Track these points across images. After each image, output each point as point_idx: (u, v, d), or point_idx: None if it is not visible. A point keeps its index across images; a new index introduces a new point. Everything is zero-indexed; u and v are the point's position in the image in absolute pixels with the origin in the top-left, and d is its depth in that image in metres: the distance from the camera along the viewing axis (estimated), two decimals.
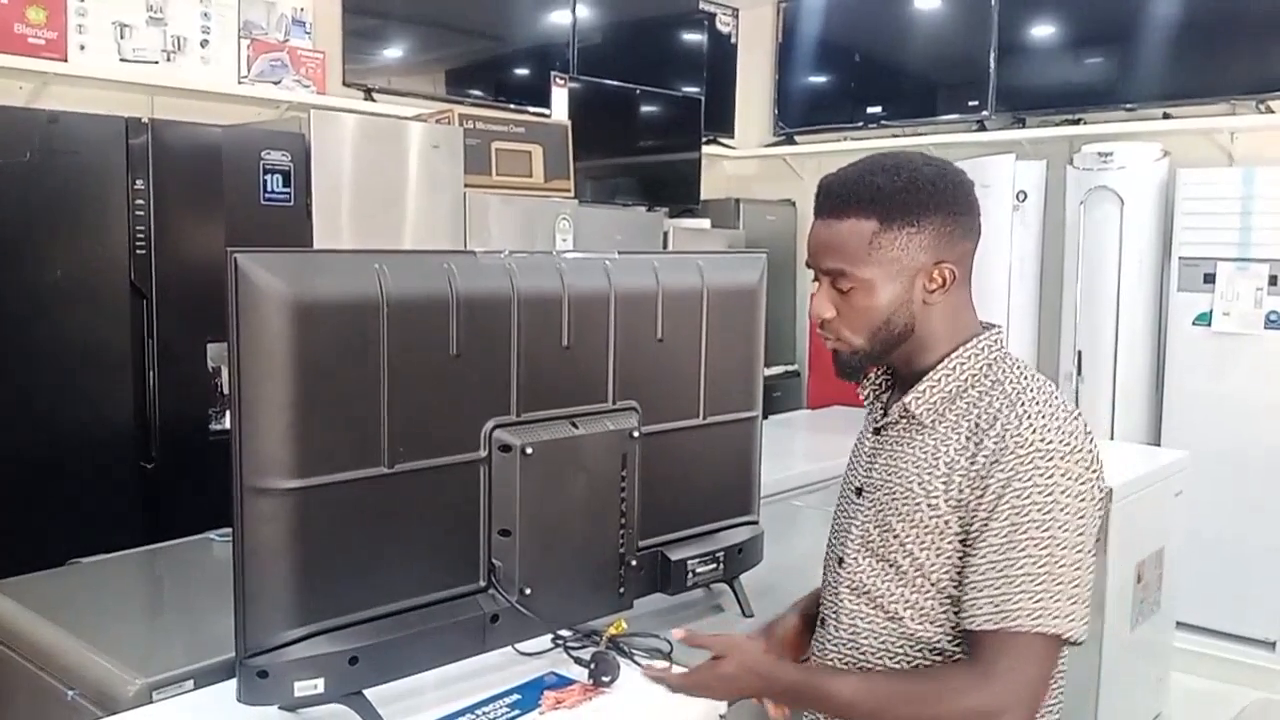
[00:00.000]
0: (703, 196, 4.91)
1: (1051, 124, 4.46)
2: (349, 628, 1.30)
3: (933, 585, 1.29)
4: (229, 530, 2.12)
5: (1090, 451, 1.24)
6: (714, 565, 1.70)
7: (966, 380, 1.31)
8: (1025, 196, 4.26)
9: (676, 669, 1.44)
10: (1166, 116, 4.17)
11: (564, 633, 1.54)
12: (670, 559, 1.65)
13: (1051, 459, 1.21)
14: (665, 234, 4.42)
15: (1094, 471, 1.24)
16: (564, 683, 1.47)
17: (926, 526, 1.28)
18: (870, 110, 5.02)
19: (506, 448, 1.41)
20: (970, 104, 4.68)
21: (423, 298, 1.34)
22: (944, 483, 1.27)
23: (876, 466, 1.38)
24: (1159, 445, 3.79)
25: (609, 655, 1.47)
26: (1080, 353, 4.10)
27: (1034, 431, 1.22)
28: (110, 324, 2.77)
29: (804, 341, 5.08)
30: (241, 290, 1.20)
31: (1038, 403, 1.25)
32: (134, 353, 2.82)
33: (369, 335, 1.28)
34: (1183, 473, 2.82)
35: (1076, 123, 4.40)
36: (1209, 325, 3.79)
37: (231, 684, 1.42)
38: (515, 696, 1.41)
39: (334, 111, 3.40)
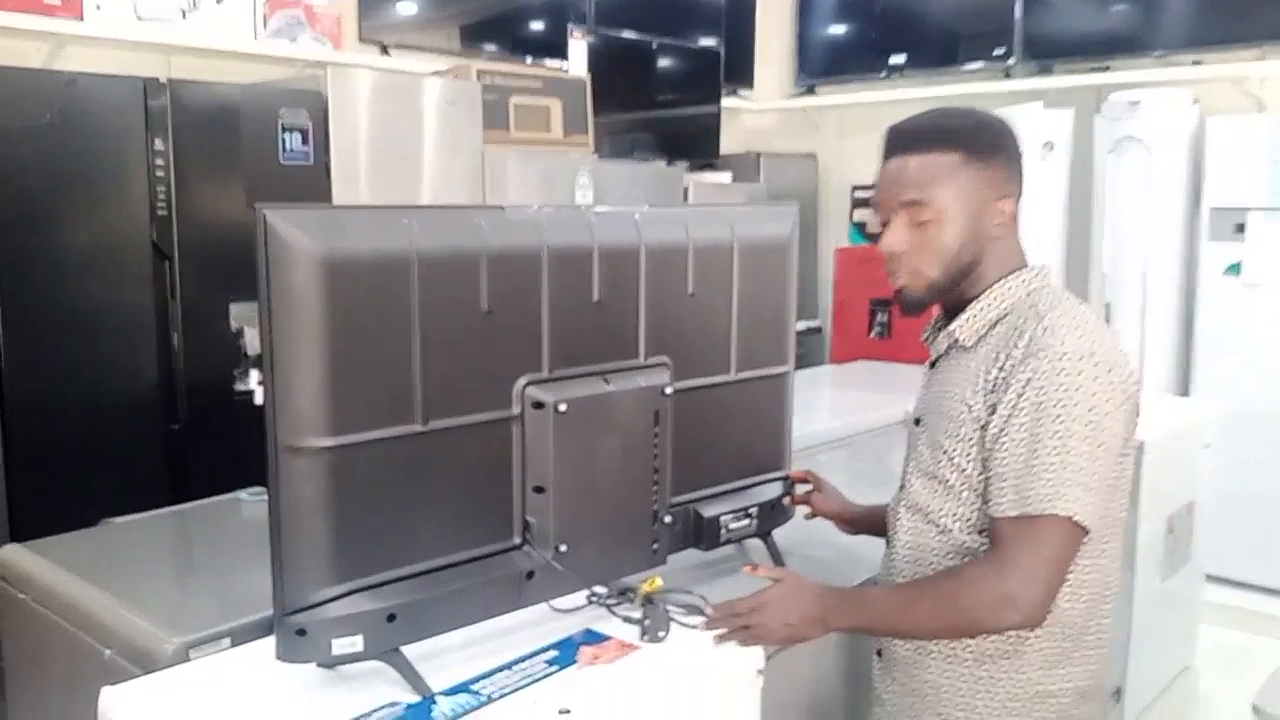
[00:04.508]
0: (722, 150, 4.86)
1: (1079, 72, 4.38)
2: (386, 585, 1.29)
3: (977, 495, 1.38)
4: (259, 489, 2.16)
5: (1114, 360, 1.30)
6: (747, 521, 1.69)
7: (1008, 307, 1.40)
8: (1052, 147, 4.19)
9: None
10: (1196, 64, 4.08)
11: (599, 590, 1.53)
12: (703, 515, 1.63)
13: (1068, 360, 1.28)
14: (685, 189, 4.38)
15: (1116, 376, 1.30)
16: (599, 639, 1.47)
17: (971, 439, 1.36)
18: (893, 60, 4.94)
19: (539, 405, 1.40)
20: (996, 52, 4.60)
21: (453, 253, 1.32)
22: (983, 396, 1.35)
23: (930, 395, 1.50)
24: (1188, 397, 3.76)
25: (660, 609, 1.46)
26: (1109, 305, 4.06)
27: (1055, 338, 1.30)
28: (133, 286, 2.77)
29: (827, 297, 5.05)
30: (271, 247, 1.19)
31: (1064, 316, 1.33)
32: (157, 314, 2.82)
33: (400, 291, 1.26)
34: (1212, 425, 2.80)
35: (1104, 70, 4.32)
36: (1240, 275, 3.73)
37: (268, 642, 1.43)
38: (552, 653, 1.41)
39: (351, 68, 3.36)
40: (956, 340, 1.43)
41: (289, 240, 1.19)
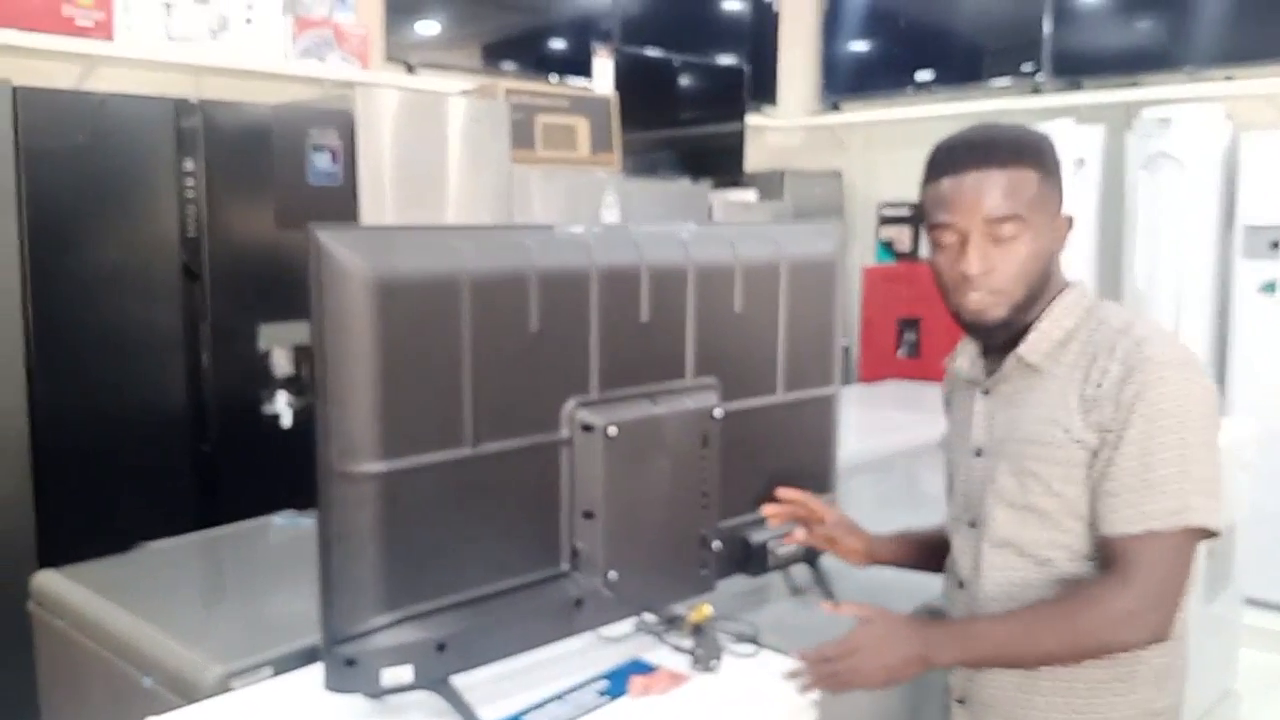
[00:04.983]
0: (747, 168, 4.83)
1: (1109, 88, 4.35)
2: (436, 613, 1.26)
3: (1081, 520, 1.33)
4: (291, 512, 2.13)
5: (1202, 366, 1.31)
6: (795, 546, 1.65)
7: (1072, 326, 1.37)
8: (1083, 164, 4.15)
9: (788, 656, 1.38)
10: (1228, 79, 4.04)
11: (648, 617, 1.50)
12: (751, 540, 1.60)
13: (1171, 369, 1.27)
14: (710, 207, 4.36)
15: (1208, 379, 1.31)
16: (649, 669, 1.43)
17: (1072, 461, 1.32)
18: (919, 76, 4.91)
19: (589, 428, 1.37)
20: (1024, 68, 4.57)
21: (503, 273, 1.30)
22: (1081, 416, 1.31)
23: (996, 424, 1.42)
24: (1224, 416, 3.70)
25: (712, 638, 1.43)
26: None
27: (1154, 350, 1.28)
28: (163, 307, 2.76)
29: (854, 315, 5.01)
30: (324, 268, 1.17)
31: (1145, 327, 1.33)
32: (186, 335, 2.80)
33: (451, 312, 1.24)
34: (1250, 444, 2.74)
35: (1134, 86, 4.28)
36: (1275, 293, 3.68)
37: (310, 671, 1.41)
38: (603, 683, 1.38)
39: (379, 87, 3.36)
40: (1026, 363, 1.38)
41: (342, 261, 1.17)
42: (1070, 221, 1.39)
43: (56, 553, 2.45)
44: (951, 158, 1.35)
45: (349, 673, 1.21)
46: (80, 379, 2.60)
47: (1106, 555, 1.29)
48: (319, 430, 1.19)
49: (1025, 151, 1.35)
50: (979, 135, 1.38)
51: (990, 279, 1.35)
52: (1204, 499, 1.25)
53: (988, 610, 1.40)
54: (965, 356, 1.50)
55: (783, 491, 1.57)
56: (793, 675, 1.34)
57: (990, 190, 1.33)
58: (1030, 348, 1.38)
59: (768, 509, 1.56)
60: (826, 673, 1.30)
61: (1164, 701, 1.37)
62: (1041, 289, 1.37)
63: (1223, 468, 1.29)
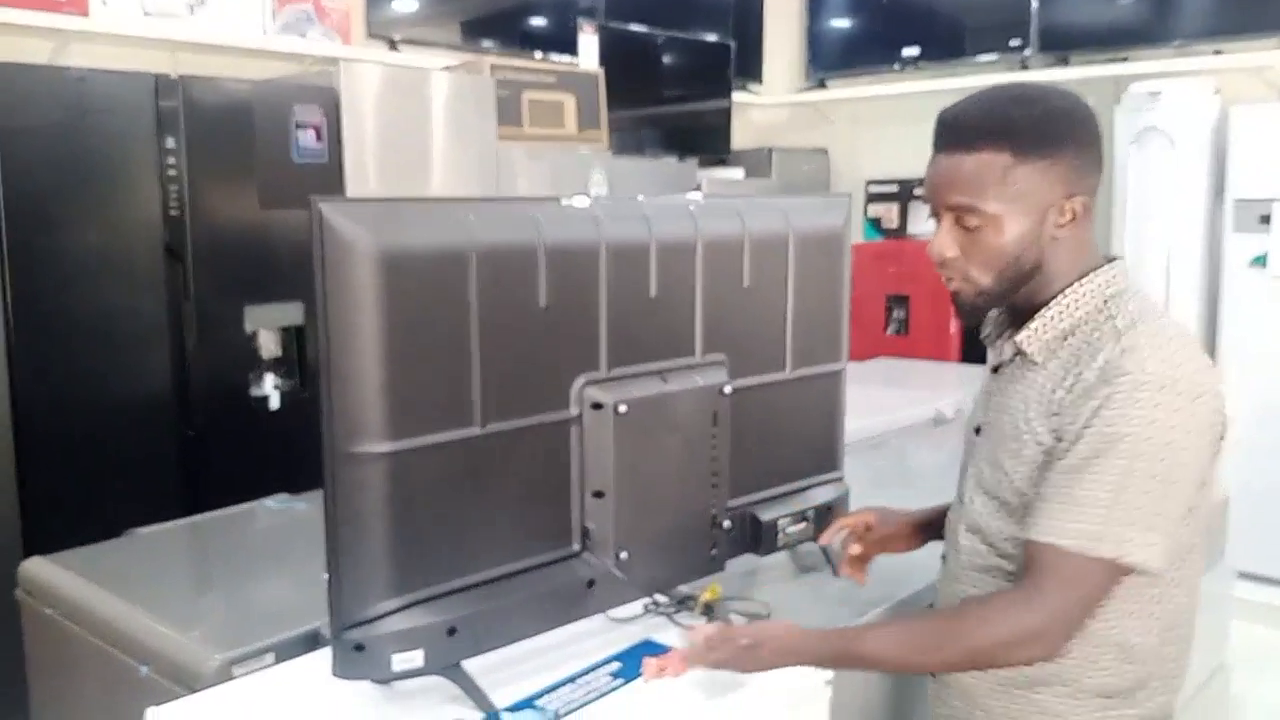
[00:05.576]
0: (733, 145, 4.79)
1: (1097, 63, 4.33)
2: (446, 596, 1.23)
3: None
4: (284, 496, 2.09)
5: (1200, 386, 1.17)
6: (804, 524, 1.63)
7: (1081, 317, 1.26)
8: None
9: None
10: (1217, 53, 4.03)
11: (658, 598, 1.47)
12: (760, 519, 1.57)
13: (1146, 389, 1.15)
14: (698, 185, 4.32)
15: (1202, 405, 1.17)
16: (661, 649, 1.41)
17: (1033, 461, 1.25)
18: (905, 52, 4.88)
19: (598, 405, 1.33)
20: (1011, 43, 4.54)
21: (511, 247, 1.26)
22: (1047, 417, 1.23)
23: (991, 405, 1.36)
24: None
25: (724, 618, 1.40)
26: None
27: (1134, 361, 1.17)
28: (146, 289, 2.70)
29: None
30: (326, 241, 1.12)
31: (1147, 334, 1.20)
32: (170, 318, 2.75)
33: (459, 287, 1.20)
34: (1241, 419, 2.74)
35: (1122, 61, 4.27)
36: (1265, 267, 3.68)
37: (314, 657, 1.38)
38: (616, 665, 1.35)
39: (362, 63, 3.29)
40: (1023, 352, 1.30)
41: (346, 234, 1.12)
42: (1084, 205, 1.24)
43: (42, 540, 2.41)
44: (934, 133, 1.27)
45: (358, 658, 1.18)
46: (62, 364, 2.54)
47: (1023, 560, 1.23)
48: (323, 410, 1.14)
49: (996, 133, 1.22)
50: (963, 110, 1.26)
51: (959, 265, 1.27)
52: (1139, 533, 1.16)
53: (958, 589, 1.36)
54: (991, 326, 1.42)
55: (831, 529, 1.60)
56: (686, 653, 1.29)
57: (950, 176, 1.24)
58: (1029, 336, 1.28)
59: (824, 538, 1.61)
60: (718, 659, 1.27)
61: (1120, 714, 1.28)
62: (1028, 277, 1.26)
63: (1184, 503, 1.17)
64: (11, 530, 2.43)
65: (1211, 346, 3.92)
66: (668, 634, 1.46)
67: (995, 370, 1.39)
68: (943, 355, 4.32)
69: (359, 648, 1.17)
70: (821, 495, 1.68)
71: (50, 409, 2.51)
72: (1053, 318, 1.27)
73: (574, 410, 1.33)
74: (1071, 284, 1.27)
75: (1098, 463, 1.16)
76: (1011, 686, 1.30)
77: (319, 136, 2.98)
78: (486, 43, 4.22)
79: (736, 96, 4.94)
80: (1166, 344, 1.19)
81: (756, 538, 1.57)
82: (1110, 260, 1.30)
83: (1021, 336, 1.29)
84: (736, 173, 4.65)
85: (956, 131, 1.24)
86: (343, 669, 1.19)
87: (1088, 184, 1.25)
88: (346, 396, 1.15)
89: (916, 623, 1.32)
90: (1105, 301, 1.26)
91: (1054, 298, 1.28)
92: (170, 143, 2.70)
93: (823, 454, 1.71)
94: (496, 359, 1.23)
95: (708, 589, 1.49)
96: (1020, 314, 1.32)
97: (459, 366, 1.21)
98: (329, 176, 2.99)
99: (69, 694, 1.64)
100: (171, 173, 2.71)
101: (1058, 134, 1.22)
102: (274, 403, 2.92)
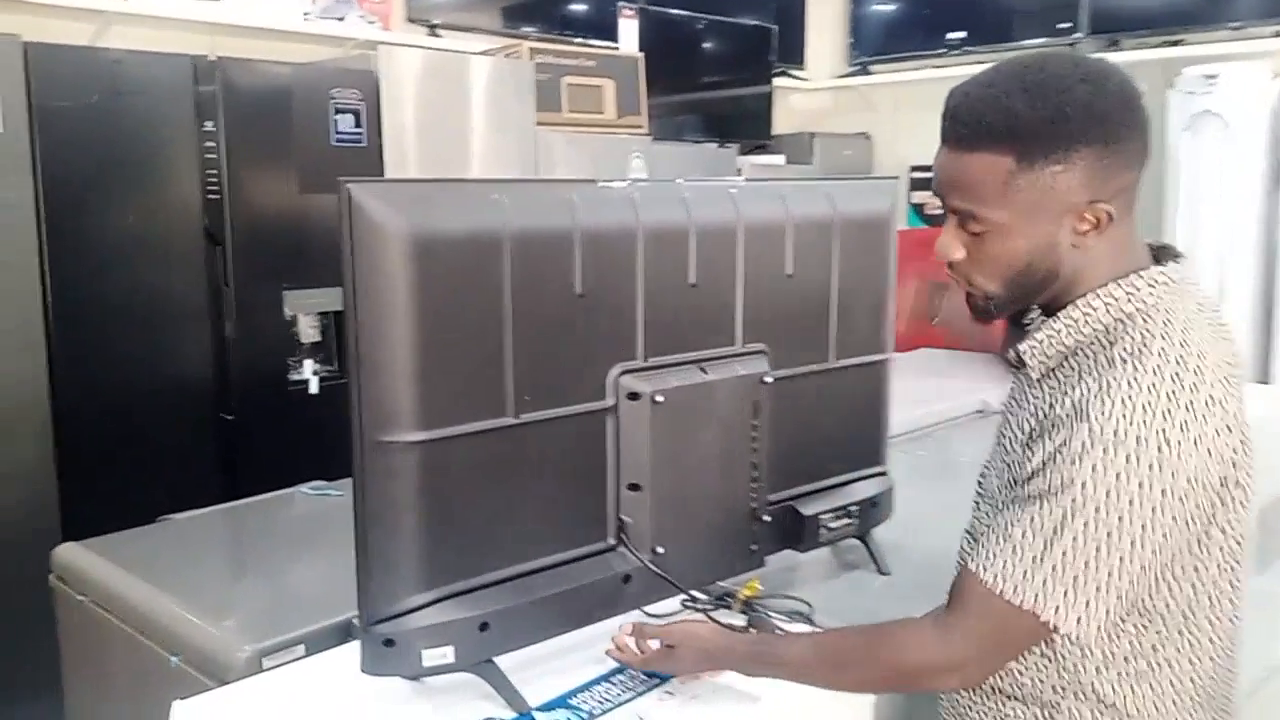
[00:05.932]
0: (774, 131, 4.72)
1: (1149, 46, 4.20)
2: (477, 591, 1.19)
3: None
4: (319, 483, 2.07)
5: (1177, 449, 1.00)
6: (847, 520, 1.58)
7: (1089, 334, 1.10)
8: None
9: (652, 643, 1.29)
10: (1277, 35, 3.90)
11: (697, 594, 1.43)
12: (802, 514, 1.52)
13: (1101, 446, 1.00)
14: (738, 171, 4.25)
15: (1173, 468, 1.00)
16: None
17: (1005, 483, 1.16)
18: (950, 36, 4.77)
19: (635, 395, 1.29)
20: (1060, 26, 4.42)
21: (545, 231, 1.22)
22: (1020, 448, 1.13)
23: (1007, 407, 1.25)
24: (1270, 384, 3.60)
25: (767, 621, 1.36)
26: None
27: (1099, 410, 1.02)
28: (185, 273, 2.70)
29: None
30: (356, 224, 1.09)
31: (1134, 375, 1.03)
32: (209, 302, 2.74)
33: (492, 272, 1.16)
34: None
35: (1176, 44, 4.14)
36: None
37: (345, 650, 1.35)
38: None
39: (402, 47, 3.27)
40: (1024, 364, 1.16)
41: (376, 217, 1.09)
42: (1112, 211, 1.07)
43: (80, 525, 2.42)
44: (941, 116, 1.11)
45: (387, 654, 1.15)
46: (101, 349, 2.55)
47: (955, 580, 1.13)
48: (352, 398, 1.11)
49: (1002, 133, 1.05)
50: (971, 97, 1.09)
51: (965, 269, 1.14)
52: (1064, 593, 1.03)
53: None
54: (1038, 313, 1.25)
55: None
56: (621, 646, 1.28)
57: (951, 176, 1.10)
58: (1033, 347, 1.14)
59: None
60: (642, 660, 1.26)
61: None
62: (1042, 285, 1.12)
63: (1142, 565, 1.03)
64: (50, 515, 2.44)
65: (1267, 339, 3.80)
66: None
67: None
68: (988, 347, 4.23)
69: (388, 643, 1.14)
70: (865, 490, 1.63)
71: (89, 394, 2.52)
72: (1059, 330, 1.12)
73: (610, 400, 1.29)
74: (1081, 296, 1.11)
75: (1038, 509, 1.04)
76: (985, 695, 1.20)
77: (358, 121, 2.97)
78: (527, 28, 4.18)
79: (778, 81, 4.86)
80: (1150, 392, 1.02)
81: (798, 533, 1.53)
82: (1165, 258, 1.14)
83: (1024, 346, 1.15)
84: (777, 159, 4.58)
85: (957, 126, 1.09)
86: (372, 665, 1.16)
87: (1117, 184, 1.07)
88: (377, 384, 1.12)
89: (840, 637, 1.22)
90: (1118, 321, 1.09)
91: (1067, 306, 1.12)
92: (209, 126, 2.69)
93: (866, 447, 1.66)
94: (530, 346, 1.20)
95: (747, 585, 1.44)
96: (1049, 313, 1.17)
97: (492, 354, 1.17)
98: (368, 161, 2.98)
99: (101, 681, 1.64)
100: (210, 156, 2.70)
101: (1074, 134, 1.04)
102: (313, 388, 2.91)
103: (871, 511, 1.63)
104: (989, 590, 1.06)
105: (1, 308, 2.38)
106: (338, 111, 2.90)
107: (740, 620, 1.40)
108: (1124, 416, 1.01)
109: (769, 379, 1.42)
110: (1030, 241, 1.09)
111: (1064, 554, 1.03)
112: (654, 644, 1.26)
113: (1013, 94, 1.05)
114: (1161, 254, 1.17)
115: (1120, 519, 1.01)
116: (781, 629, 1.39)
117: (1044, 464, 1.05)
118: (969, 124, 1.08)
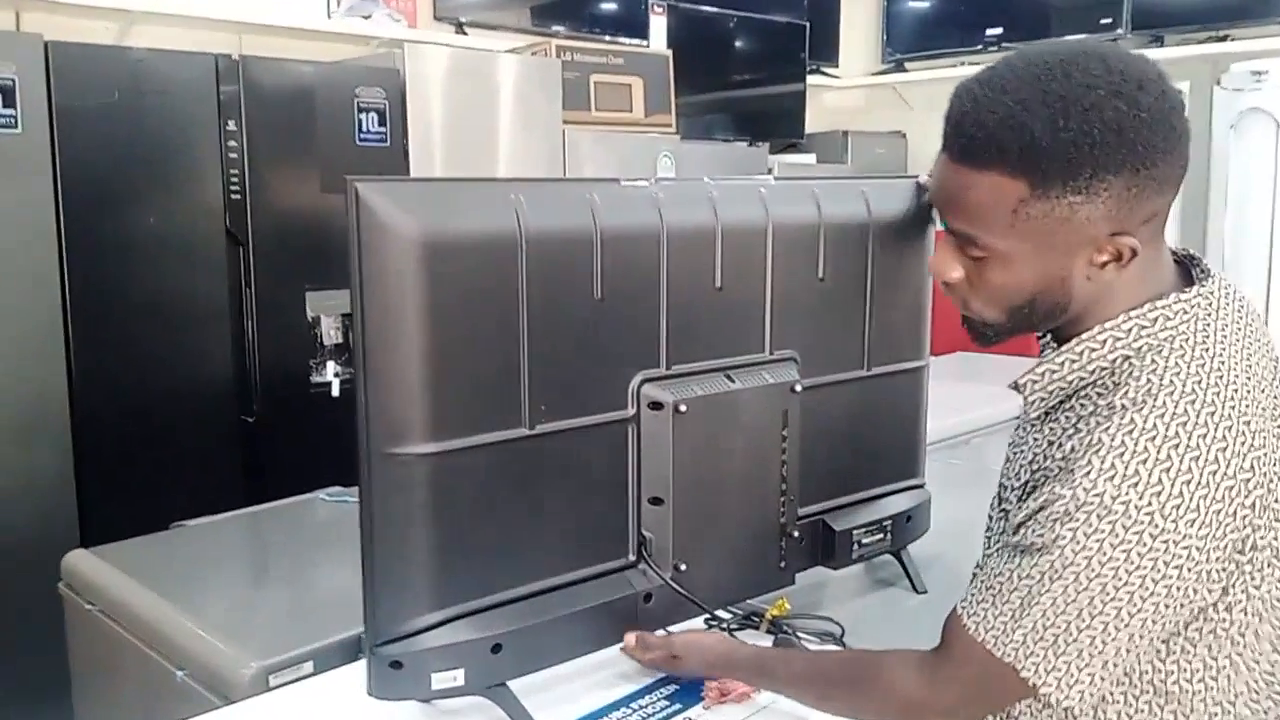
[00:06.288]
0: (807, 130, 4.64)
1: (1194, 42, 4.09)
2: (490, 611, 1.14)
3: None
4: (337, 489, 2.02)
5: (1170, 519, 0.89)
6: (881, 535, 1.51)
7: (1094, 372, 0.99)
8: None
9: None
10: None
11: (721, 614, 1.36)
12: (834, 528, 1.46)
13: (1085, 512, 0.90)
14: (770, 170, 4.18)
15: (1168, 540, 0.89)
16: None
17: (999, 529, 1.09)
18: (989, 32, 4.67)
19: (657, 405, 1.23)
20: (1102, 21, 4.31)
21: (564, 232, 1.16)
22: (1016, 496, 1.05)
23: (1009, 447, 1.16)
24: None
25: (796, 643, 1.29)
26: None
27: (1087, 471, 0.91)
28: (206, 273, 2.66)
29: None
30: (364, 225, 1.03)
31: (1140, 427, 0.91)
32: (231, 302, 2.71)
33: (507, 276, 1.10)
34: None
35: (1223, 39, 4.02)
36: None
37: (355, 668, 1.29)
38: (672, 687, 1.24)
39: (427, 45, 3.23)
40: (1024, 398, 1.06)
41: (385, 217, 1.03)
42: (1131, 250, 0.94)
43: (96, 526, 2.40)
44: (946, 124, 0.98)
45: (395, 677, 1.09)
46: (121, 350, 2.52)
47: (945, 623, 1.04)
48: (359, 408, 1.06)
49: (1007, 153, 0.91)
50: (974, 107, 0.94)
51: (962, 292, 1.03)
52: (1044, 654, 0.94)
53: None
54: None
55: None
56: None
57: (951, 194, 0.98)
58: (1032, 381, 1.03)
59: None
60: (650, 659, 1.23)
61: None
62: (1047, 316, 1.01)
63: (1133, 634, 0.92)
64: (68, 518, 2.41)
65: None
66: None
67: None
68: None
69: (396, 665, 1.09)
70: (900, 503, 1.56)
71: (108, 396, 2.49)
72: (1061, 366, 1.01)
73: (631, 410, 1.22)
74: (1087, 329, 0.99)
75: (1022, 562, 0.95)
76: None
77: (382, 120, 2.93)
78: (555, 25, 4.13)
79: (810, 79, 4.78)
80: (1146, 451, 0.90)
81: (829, 549, 1.46)
82: (1197, 276, 1.01)
83: (1023, 378, 1.04)
84: (809, 158, 4.51)
85: (961, 137, 0.95)
86: (378, 688, 1.10)
87: (1146, 211, 0.94)
88: (385, 394, 1.06)
89: (835, 663, 1.17)
90: (1125, 359, 0.97)
91: (1074, 337, 1.01)
92: (231, 125, 2.66)
93: (902, 458, 1.59)
94: (547, 354, 1.14)
95: (775, 604, 1.38)
96: (1061, 340, 1.04)
97: (507, 362, 1.11)
98: (392, 160, 2.94)
99: (109, 692, 1.60)
100: (232, 155, 2.67)
101: (1100, 161, 0.90)
102: (335, 390, 2.87)
103: (907, 526, 1.56)
104: (972, 639, 0.98)
105: (20, 308, 2.36)
106: (361, 110, 2.86)
107: (766, 641, 1.33)
108: (1113, 480, 0.90)
109: (799, 387, 1.36)
110: (1037, 274, 0.97)
111: (1043, 614, 0.94)
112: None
113: (1031, 107, 0.91)
114: (1189, 266, 1.04)
115: (1104, 588, 0.91)
116: (809, 649, 1.32)
117: (1030, 518, 0.96)
118: (977, 138, 0.94)
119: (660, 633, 1.26)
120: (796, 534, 1.39)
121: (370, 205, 1.03)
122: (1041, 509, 0.94)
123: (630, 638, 1.23)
